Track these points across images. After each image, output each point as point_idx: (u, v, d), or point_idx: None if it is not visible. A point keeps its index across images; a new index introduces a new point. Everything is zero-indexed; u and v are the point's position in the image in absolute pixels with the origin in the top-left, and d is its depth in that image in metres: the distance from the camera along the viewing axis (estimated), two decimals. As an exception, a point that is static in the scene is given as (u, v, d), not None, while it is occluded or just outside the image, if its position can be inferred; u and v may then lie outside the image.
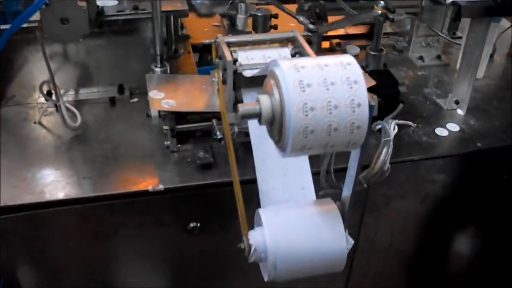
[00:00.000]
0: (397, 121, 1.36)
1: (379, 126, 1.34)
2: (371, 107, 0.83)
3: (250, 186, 1.07)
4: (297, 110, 0.80)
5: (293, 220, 1.00)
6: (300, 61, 0.85)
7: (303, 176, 1.09)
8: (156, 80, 1.36)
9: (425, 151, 1.43)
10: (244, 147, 1.27)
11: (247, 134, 1.18)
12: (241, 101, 1.20)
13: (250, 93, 1.18)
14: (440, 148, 1.44)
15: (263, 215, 0.99)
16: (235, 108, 1.12)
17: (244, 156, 1.24)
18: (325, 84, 0.82)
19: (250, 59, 1.19)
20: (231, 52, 1.19)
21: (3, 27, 1.49)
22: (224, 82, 1.19)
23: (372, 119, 1.31)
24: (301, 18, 1.46)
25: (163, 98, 1.28)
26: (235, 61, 1.18)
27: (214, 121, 1.30)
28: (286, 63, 0.83)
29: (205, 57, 1.70)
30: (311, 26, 1.48)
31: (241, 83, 1.19)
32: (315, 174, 1.13)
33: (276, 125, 0.84)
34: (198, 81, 1.38)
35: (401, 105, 1.43)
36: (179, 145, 1.33)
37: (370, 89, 1.35)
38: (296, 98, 0.80)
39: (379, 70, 1.58)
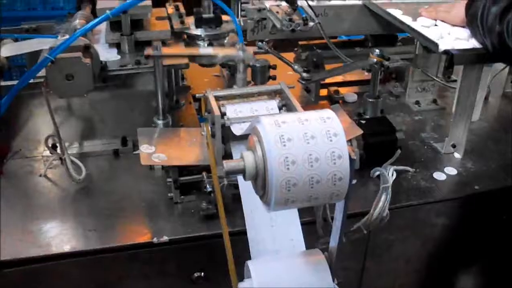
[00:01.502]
0: (395, 167, 1.38)
1: (377, 173, 1.36)
2: (352, 159, 0.85)
3: (244, 236, 1.10)
4: (279, 164, 0.82)
5: (281, 272, 1.01)
6: (281, 116, 0.88)
7: (292, 227, 1.11)
8: (147, 134, 1.38)
9: (424, 196, 1.44)
10: (235, 198, 1.28)
11: (236, 186, 1.21)
12: (230, 154, 1.23)
13: (239, 146, 1.21)
14: (439, 192, 1.46)
15: (251, 267, 1.01)
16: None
17: (236, 207, 1.25)
18: (305, 138, 0.84)
19: (238, 112, 1.23)
20: (219, 106, 1.22)
21: (9, 83, 1.54)
22: (213, 135, 1.22)
23: (372, 166, 1.36)
24: (295, 67, 1.50)
25: (153, 152, 1.30)
26: (223, 115, 1.21)
27: (204, 173, 1.31)
28: (268, 119, 0.86)
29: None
30: (305, 74, 1.52)
31: (230, 136, 1.22)
32: (312, 224, 1.15)
33: (259, 180, 0.87)
34: (189, 134, 1.40)
35: (399, 151, 1.46)
36: (182, 196, 1.35)
37: (367, 135, 1.41)
38: (277, 152, 0.82)
39: (377, 118, 1.61)
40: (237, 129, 1.19)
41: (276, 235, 1.10)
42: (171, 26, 1.56)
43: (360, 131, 1.38)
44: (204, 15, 1.58)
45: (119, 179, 1.45)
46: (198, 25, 1.58)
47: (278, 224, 1.11)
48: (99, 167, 1.50)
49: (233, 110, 1.23)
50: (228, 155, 1.23)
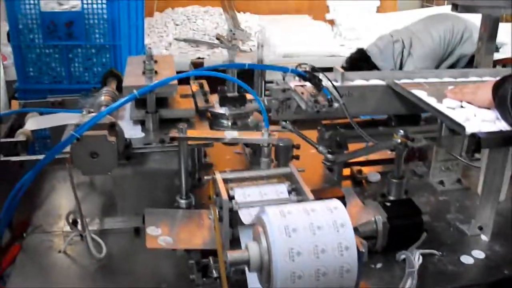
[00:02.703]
0: (421, 250, 1.36)
1: (403, 256, 1.34)
2: (360, 252, 0.83)
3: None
4: (283, 255, 0.81)
5: None
6: (287, 207, 0.87)
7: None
8: (154, 216, 1.36)
9: (452, 281, 1.40)
10: (241, 285, 1.22)
11: (243, 271, 1.17)
12: (238, 239, 1.20)
13: (247, 231, 1.17)
14: (466, 276, 1.41)
15: None
16: (231, 246, 1.13)
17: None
18: (311, 228, 0.83)
19: (247, 196, 1.21)
20: (227, 189, 1.21)
21: (33, 157, 1.55)
22: (220, 219, 1.20)
23: (397, 249, 1.33)
24: (320, 148, 1.50)
25: (160, 235, 1.28)
26: (231, 198, 1.19)
27: (211, 258, 1.27)
28: (273, 210, 0.85)
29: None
30: (329, 156, 1.51)
31: (238, 220, 1.19)
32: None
33: (264, 272, 0.85)
34: (197, 216, 1.39)
35: (425, 234, 1.43)
36: (204, 279, 1.32)
37: (392, 218, 1.39)
38: (282, 244, 0.81)
39: (402, 200, 1.59)
40: (245, 214, 1.17)
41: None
42: (196, 104, 1.58)
43: (370, 217, 1.37)
44: (229, 94, 1.59)
45: (139, 258, 1.42)
46: (222, 103, 1.59)
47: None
48: (120, 244, 1.47)
49: (241, 194, 1.21)
50: (236, 240, 1.20)
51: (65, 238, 1.49)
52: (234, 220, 1.19)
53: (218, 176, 1.23)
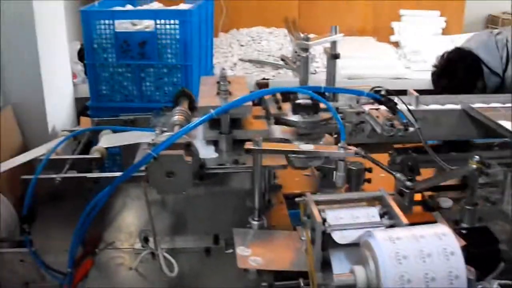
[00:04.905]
0: (499, 281, 1.31)
1: (480, 287, 1.29)
2: (469, 281, 0.81)
3: None
4: (394, 282, 0.80)
5: None
6: (395, 232, 0.86)
7: None
8: (243, 235, 1.38)
9: (532, 312, 1.35)
10: None
11: None
12: (328, 262, 1.18)
13: (339, 254, 1.17)
14: (547, 309, 1.36)
15: None
16: (322, 268, 1.12)
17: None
18: (421, 255, 0.82)
19: (339, 219, 1.20)
20: (319, 211, 1.20)
21: (108, 174, 1.59)
22: (312, 241, 1.20)
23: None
24: (398, 175, 1.46)
25: (250, 255, 1.29)
26: (324, 221, 1.19)
27: (301, 280, 1.26)
28: (382, 234, 0.85)
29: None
30: (408, 183, 1.48)
31: (329, 243, 1.18)
32: None
33: None
34: (284, 237, 1.40)
35: (502, 264, 1.38)
36: (278, 301, 1.31)
37: (469, 247, 1.35)
38: (393, 271, 0.80)
39: (477, 228, 1.55)
40: (338, 237, 1.16)
41: None
42: (268, 111, 1.58)
43: (462, 242, 1.33)
44: (302, 101, 1.58)
45: (210, 279, 1.42)
46: (295, 111, 1.58)
47: None
48: (190, 264, 1.48)
49: (333, 216, 1.20)
50: (326, 263, 1.19)
51: (136, 255, 1.51)
52: (326, 243, 1.19)
53: (310, 198, 1.24)
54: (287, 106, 1.63)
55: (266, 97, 1.71)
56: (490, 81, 2.88)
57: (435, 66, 3.04)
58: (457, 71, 2.87)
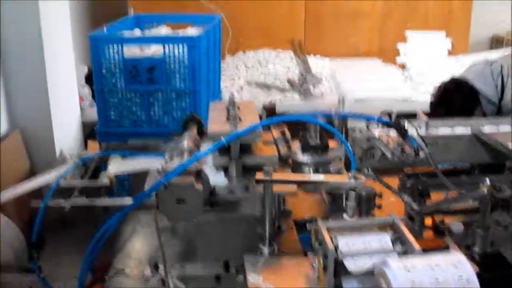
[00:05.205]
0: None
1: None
2: None
3: None
4: None
5: None
6: (409, 260, 0.86)
7: None
8: (254, 262, 1.37)
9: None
10: None
11: None
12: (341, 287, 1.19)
13: (351, 281, 1.18)
14: None
15: None
16: None
17: None
18: (437, 284, 0.82)
19: (351, 246, 1.20)
20: (331, 238, 1.20)
21: (118, 201, 1.59)
22: (324, 268, 1.19)
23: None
24: (405, 198, 1.46)
25: (261, 282, 1.29)
26: (336, 248, 1.19)
27: None
28: (396, 263, 0.85)
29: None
30: (415, 206, 1.48)
31: (341, 270, 1.18)
32: None
33: None
34: (296, 263, 1.39)
35: (515, 289, 1.38)
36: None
37: (482, 272, 1.34)
38: None
39: (491, 254, 1.54)
40: (351, 264, 1.16)
41: None
42: (278, 151, 1.58)
43: (476, 268, 1.32)
44: (311, 142, 1.59)
45: (221, 306, 1.42)
46: (304, 151, 1.59)
47: None
48: (201, 292, 1.48)
49: (345, 243, 1.20)
50: (337, 288, 1.19)
51: (145, 281, 1.50)
52: (338, 269, 1.19)
53: (322, 225, 1.24)
54: (296, 145, 1.64)
55: (275, 135, 1.71)
56: (487, 109, 2.91)
57: (432, 96, 3.09)
58: (454, 101, 2.90)
